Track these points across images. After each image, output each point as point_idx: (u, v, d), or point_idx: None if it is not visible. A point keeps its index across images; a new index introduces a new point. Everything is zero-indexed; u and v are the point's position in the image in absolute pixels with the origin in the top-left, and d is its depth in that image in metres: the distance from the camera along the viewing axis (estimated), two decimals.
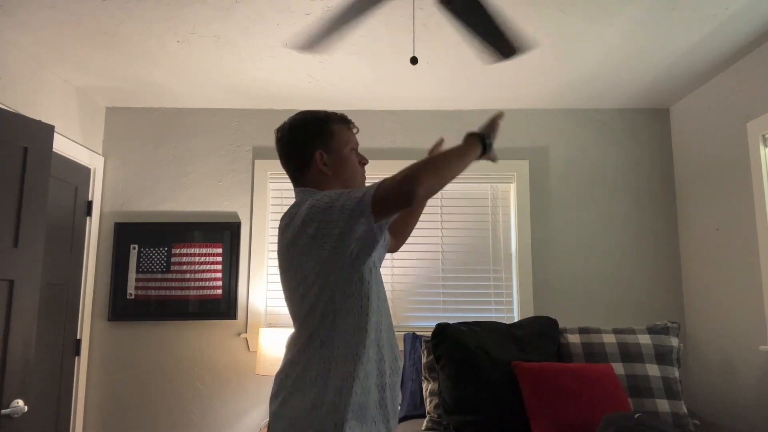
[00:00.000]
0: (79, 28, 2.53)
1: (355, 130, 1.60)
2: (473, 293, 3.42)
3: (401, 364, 1.49)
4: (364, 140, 3.46)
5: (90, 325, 3.30)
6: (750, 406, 2.76)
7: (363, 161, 1.60)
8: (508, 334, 2.68)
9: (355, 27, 2.03)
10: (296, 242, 1.40)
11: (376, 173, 3.45)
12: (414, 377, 2.95)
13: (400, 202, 1.28)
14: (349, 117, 1.62)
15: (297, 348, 1.41)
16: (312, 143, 1.53)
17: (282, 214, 1.55)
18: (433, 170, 1.29)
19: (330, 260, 1.36)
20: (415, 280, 3.44)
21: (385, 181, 1.30)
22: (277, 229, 1.51)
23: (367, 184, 1.59)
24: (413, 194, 1.26)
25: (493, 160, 1.59)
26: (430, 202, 3.49)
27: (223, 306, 3.33)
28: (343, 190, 1.42)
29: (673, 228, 3.45)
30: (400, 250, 3.42)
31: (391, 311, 3.37)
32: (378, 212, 1.30)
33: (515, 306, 3.40)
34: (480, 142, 1.48)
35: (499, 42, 1.90)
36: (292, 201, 3.46)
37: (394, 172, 1.31)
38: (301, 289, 1.41)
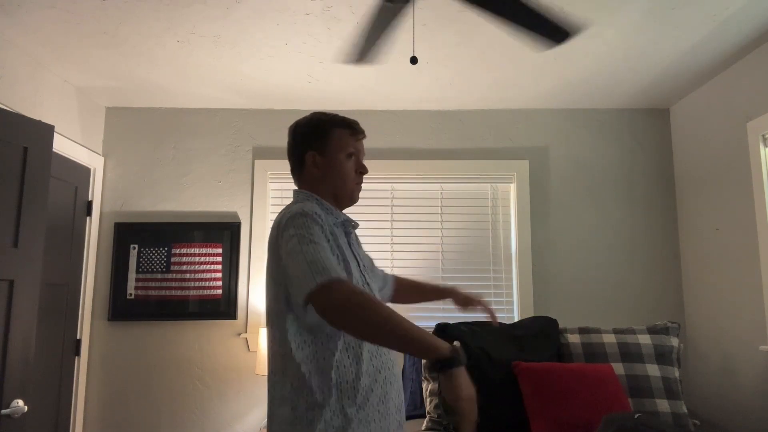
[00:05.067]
0: (79, 28, 2.53)
1: (360, 137, 1.58)
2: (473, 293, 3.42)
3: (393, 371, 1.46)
4: (364, 140, 3.46)
5: (90, 325, 3.30)
6: (750, 406, 2.76)
7: (361, 170, 1.57)
8: (508, 334, 2.68)
9: (392, 32, 2.04)
10: (275, 257, 1.39)
11: (375, 173, 3.46)
12: (414, 377, 2.95)
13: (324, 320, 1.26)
14: (349, 117, 1.62)
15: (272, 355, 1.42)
16: (308, 144, 1.54)
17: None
18: (357, 326, 1.20)
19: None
20: None
21: (335, 293, 1.22)
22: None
23: (360, 195, 1.56)
24: (334, 324, 1.24)
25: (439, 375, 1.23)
26: (429, 202, 3.50)
27: (223, 306, 3.33)
28: (301, 232, 1.33)
29: (673, 228, 3.45)
30: (400, 250, 3.44)
31: None
32: (309, 303, 1.26)
33: (515, 306, 3.40)
34: (443, 360, 1.19)
35: (547, 29, 1.87)
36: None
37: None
38: (270, 295, 1.42)
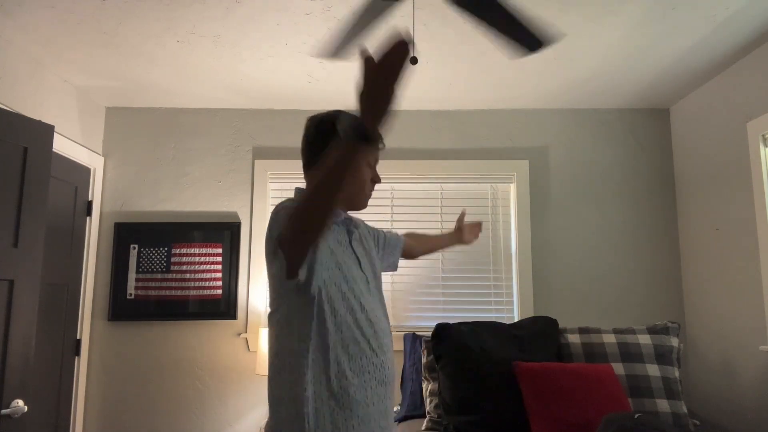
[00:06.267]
0: (79, 28, 2.53)
1: (381, 147, 1.56)
2: (473, 293, 3.42)
3: (387, 371, 1.46)
4: None
5: (90, 325, 3.30)
6: (750, 406, 2.76)
7: (375, 179, 1.58)
8: (508, 334, 2.68)
9: (370, 34, 2.02)
10: (267, 249, 1.42)
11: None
12: (414, 377, 2.95)
13: (300, 260, 1.29)
14: None
15: (271, 353, 1.44)
16: (330, 144, 1.51)
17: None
18: (305, 213, 1.20)
19: (278, 273, 1.38)
20: (415, 280, 3.44)
21: (284, 226, 1.28)
22: None
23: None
24: (298, 252, 1.26)
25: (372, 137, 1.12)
26: (429, 202, 3.50)
27: (223, 306, 3.33)
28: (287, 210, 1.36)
29: (673, 228, 3.45)
30: None
31: (391, 311, 3.39)
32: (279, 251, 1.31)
33: (515, 306, 3.40)
34: (351, 139, 1.11)
35: (523, 36, 1.88)
36: None
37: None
38: (271, 291, 1.45)
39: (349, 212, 1.59)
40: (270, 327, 1.44)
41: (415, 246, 2.00)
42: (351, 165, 1.13)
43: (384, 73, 1.02)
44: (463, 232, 2.12)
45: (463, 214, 2.16)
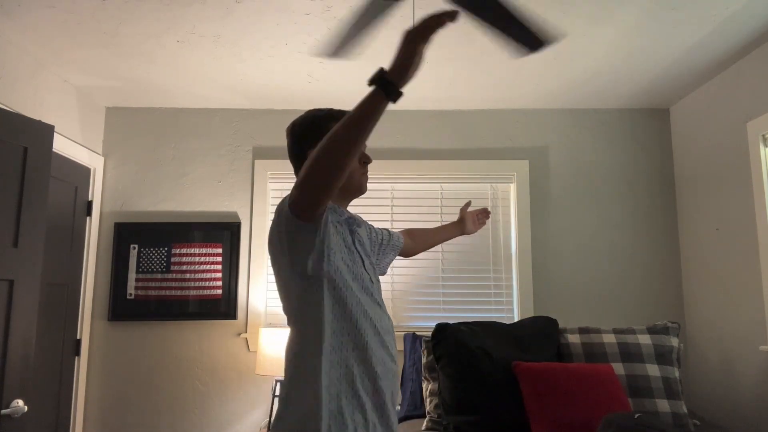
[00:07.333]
0: (79, 28, 2.53)
1: None
2: (473, 293, 3.42)
3: (395, 367, 1.46)
4: None
5: (90, 325, 3.30)
6: (750, 406, 2.76)
7: (365, 160, 1.57)
8: (508, 334, 2.68)
9: (372, 33, 2.01)
10: (272, 244, 1.42)
11: (375, 173, 3.46)
12: (414, 377, 2.95)
13: (314, 205, 1.27)
14: (345, 109, 1.61)
15: (290, 351, 1.43)
16: (307, 142, 1.53)
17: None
18: (328, 159, 1.20)
19: (290, 266, 1.37)
20: (415, 280, 3.44)
21: (294, 186, 1.29)
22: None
23: (368, 184, 1.59)
24: (317, 199, 1.24)
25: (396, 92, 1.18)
26: (429, 202, 3.50)
27: (223, 306, 3.33)
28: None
29: (673, 228, 3.45)
30: None
31: (391, 311, 3.39)
32: (300, 216, 1.30)
33: (515, 306, 3.40)
34: (381, 89, 1.16)
35: (524, 36, 1.87)
36: None
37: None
38: (282, 292, 1.43)
39: (352, 199, 1.60)
40: (292, 322, 1.42)
41: (414, 243, 1.98)
42: (377, 111, 1.17)
43: (421, 32, 1.13)
44: (465, 222, 2.12)
45: (467, 204, 2.15)
